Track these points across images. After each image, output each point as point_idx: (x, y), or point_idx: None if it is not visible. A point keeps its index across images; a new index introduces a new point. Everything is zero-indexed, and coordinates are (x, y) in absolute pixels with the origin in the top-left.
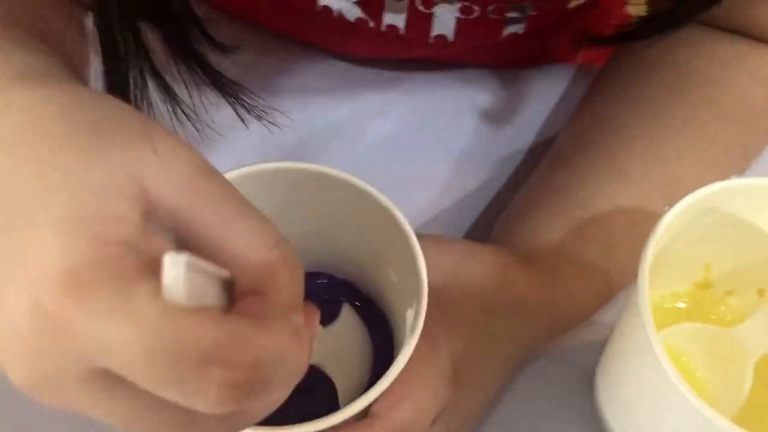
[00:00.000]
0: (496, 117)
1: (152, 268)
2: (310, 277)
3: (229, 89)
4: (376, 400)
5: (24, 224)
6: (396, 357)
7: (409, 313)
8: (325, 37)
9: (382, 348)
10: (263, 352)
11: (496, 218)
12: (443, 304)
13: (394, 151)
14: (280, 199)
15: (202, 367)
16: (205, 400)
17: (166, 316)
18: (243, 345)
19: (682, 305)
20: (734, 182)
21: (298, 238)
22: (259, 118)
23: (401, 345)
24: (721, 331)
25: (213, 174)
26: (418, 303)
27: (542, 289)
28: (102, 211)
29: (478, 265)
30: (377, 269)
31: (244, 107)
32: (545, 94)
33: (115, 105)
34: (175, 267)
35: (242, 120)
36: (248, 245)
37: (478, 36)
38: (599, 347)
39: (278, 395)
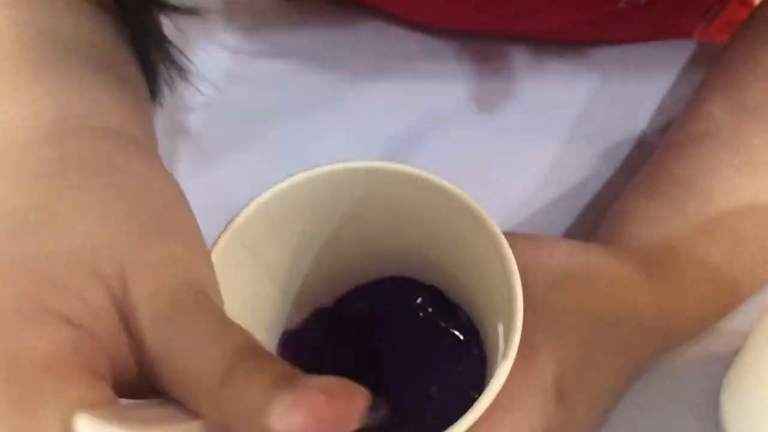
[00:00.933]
0: (602, 100)
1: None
2: (394, 281)
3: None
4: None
5: None
6: (489, 377)
7: (500, 327)
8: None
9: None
10: None
11: (600, 215)
12: (546, 312)
13: (485, 139)
14: (355, 200)
15: None
16: None
17: None
18: None
19: None
20: None
21: (374, 241)
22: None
23: (494, 355)
24: None
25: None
26: (513, 317)
27: (658, 295)
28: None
29: (585, 269)
30: (463, 274)
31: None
32: (660, 74)
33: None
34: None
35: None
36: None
37: None
38: (724, 360)
39: None
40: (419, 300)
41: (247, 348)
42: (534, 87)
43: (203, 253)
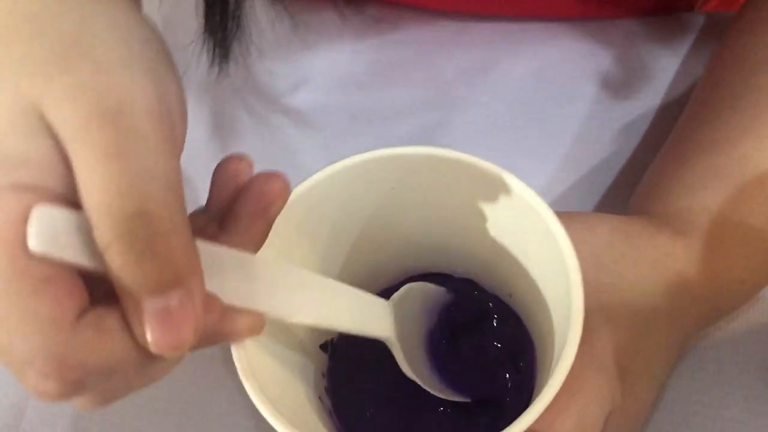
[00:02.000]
0: (617, 80)
1: None
2: (423, 279)
3: None
4: None
5: None
6: (554, 363)
7: (554, 311)
8: None
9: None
10: (89, 366)
11: (627, 189)
12: (596, 291)
13: (507, 123)
14: (387, 190)
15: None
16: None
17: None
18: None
19: None
20: None
21: (406, 233)
22: None
23: (540, 343)
24: None
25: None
26: (571, 297)
27: (704, 265)
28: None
29: (627, 242)
30: (505, 262)
31: None
32: (671, 48)
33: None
34: (39, 219)
35: None
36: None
37: None
38: None
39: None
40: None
41: (138, 215)
42: (549, 65)
43: (122, 73)
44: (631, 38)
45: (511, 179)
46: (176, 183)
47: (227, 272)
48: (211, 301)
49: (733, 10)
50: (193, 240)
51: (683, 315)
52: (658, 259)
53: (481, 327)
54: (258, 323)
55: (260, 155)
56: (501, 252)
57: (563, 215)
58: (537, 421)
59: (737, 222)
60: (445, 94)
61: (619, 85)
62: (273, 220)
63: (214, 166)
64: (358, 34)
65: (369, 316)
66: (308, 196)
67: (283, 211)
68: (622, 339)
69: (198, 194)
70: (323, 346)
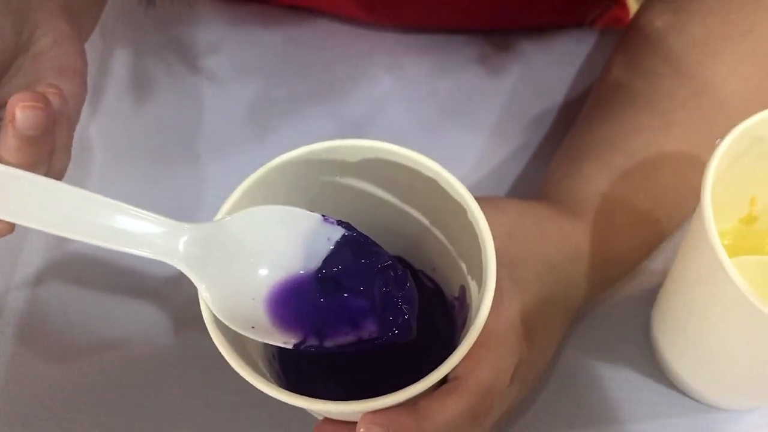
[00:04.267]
0: (526, 80)
1: None
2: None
3: None
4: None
5: None
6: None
7: (471, 281)
8: None
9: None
10: None
11: (534, 176)
12: (507, 262)
13: (422, 126)
14: (328, 180)
15: None
16: None
17: None
18: None
19: (728, 242)
20: None
21: (346, 214)
22: None
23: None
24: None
25: None
26: (486, 266)
27: (596, 240)
28: None
29: (535, 222)
30: (429, 242)
31: None
32: (568, 58)
33: None
34: None
35: None
36: None
37: None
38: (650, 294)
39: None
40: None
41: None
42: (468, 69)
43: None
44: (535, 50)
45: (437, 167)
46: None
47: None
48: None
49: (620, 27)
50: None
51: (579, 283)
52: (560, 237)
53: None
54: None
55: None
56: (427, 231)
57: (480, 199)
58: (458, 369)
59: (624, 206)
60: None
61: (526, 86)
62: (23, 132)
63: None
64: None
65: (136, 234)
66: (262, 182)
67: (240, 194)
68: (528, 303)
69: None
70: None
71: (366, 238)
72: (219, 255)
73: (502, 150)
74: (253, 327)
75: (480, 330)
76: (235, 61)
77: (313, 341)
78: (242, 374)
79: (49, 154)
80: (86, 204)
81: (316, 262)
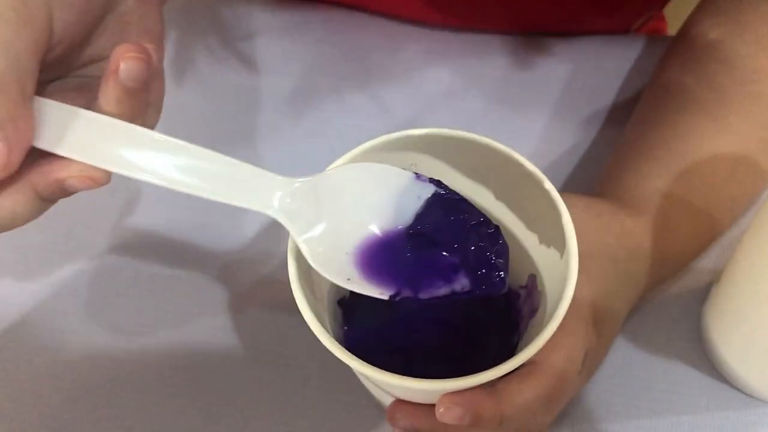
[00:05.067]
0: (578, 81)
1: None
2: None
3: None
4: None
5: None
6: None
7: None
8: None
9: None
10: None
11: (588, 172)
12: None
13: (470, 124)
14: (408, 165)
15: None
16: None
17: None
18: None
19: None
20: None
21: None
22: None
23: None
24: None
25: None
26: (569, 257)
27: (655, 237)
28: None
29: (599, 217)
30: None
31: None
32: (617, 61)
33: None
34: None
35: None
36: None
37: None
38: (699, 291)
39: None
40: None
41: None
42: (515, 71)
43: None
44: (587, 52)
45: (518, 156)
46: (13, 52)
47: (69, 127)
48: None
49: (662, 35)
50: (23, 98)
51: (639, 278)
52: (622, 232)
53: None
54: (91, 173)
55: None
56: (498, 222)
57: None
58: (535, 355)
59: (681, 205)
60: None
61: (579, 86)
62: (125, 82)
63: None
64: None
65: (235, 186)
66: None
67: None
68: (596, 295)
69: None
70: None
71: (458, 195)
72: (314, 209)
73: (552, 150)
74: (348, 279)
75: (563, 316)
76: (277, 49)
77: (407, 293)
78: (322, 340)
79: (145, 107)
80: (183, 153)
81: (408, 218)
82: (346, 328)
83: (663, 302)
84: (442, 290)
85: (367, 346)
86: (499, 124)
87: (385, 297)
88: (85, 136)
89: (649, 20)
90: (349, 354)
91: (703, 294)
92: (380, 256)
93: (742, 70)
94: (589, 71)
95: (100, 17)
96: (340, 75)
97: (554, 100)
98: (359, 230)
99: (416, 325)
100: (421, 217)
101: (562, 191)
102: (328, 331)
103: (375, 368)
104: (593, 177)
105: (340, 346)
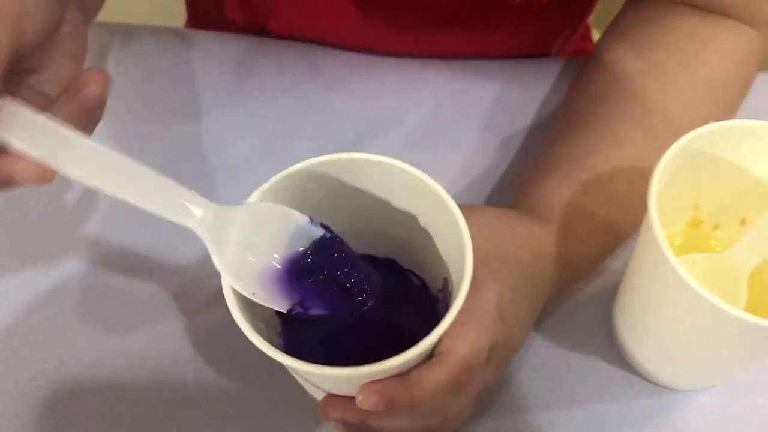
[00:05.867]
0: (500, 103)
1: None
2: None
3: None
4: (437, 343)
5: None
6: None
7: (452, 272)
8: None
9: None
10: None
11: (507, 188)
12: (484, 258)
13: (408, 145)
14: (330, 189)
15: None
16: None
17: None
18: None
19: (677, 243)
20: (715, 125)
21: (347, 224)
22: None
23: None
24: (714, 256)
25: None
26: (464, 259)
27: (559, 243)
28: None
29: (508, 225)
30: (417, 243)
31: None
32: (535, 83)
33: None
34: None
35: None
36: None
37: None
38: (610, 291)
39: None
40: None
41: None
42: (446, 94)
43: None
44: (506, 75)
45: (425, 178)
46: None
47: (28, 130)
48: None
49: (584, 56)
50: None
51: (545, 278)
52: (529, 238)
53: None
54: (40, 172)
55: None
56: (414, 234)
57: (462, 206)
58: (441, 346)
59: (584, 213)
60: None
61: (501, 108)
62: (87, 103)
63: None
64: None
65: (163, 199)
66: (272, 191)
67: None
68: (501, 292)
69: None
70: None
71: (339, 239)
72: (227, 232)
73: (479, 165)
74: (253, 293)
75: (459, 308)
76: (236, 88)
77: (299, 309)
78: (252, 339)
79: (95, 122)
80: (119, 164)
81: (300, 252)
82: (285, 335)
83: (577, 301)
84: (325, 310)
85: (303, 351)
86: (432, 142)
87: (283, 310)
88: (37, 135)
89: (567, 41)
90: (274, 349)
91: (613, 293)
92: (278, 279)
93: (639, 91)
94: (513, 93)
95: (48, 37)
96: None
97: (481, 119)
98: (259, 259)
99: (349, 332)
100: (310, 252)
101: (478, 204)
102: (259, 335)
103: (299, 360)
104: (514, 188)
105: (266, 342)
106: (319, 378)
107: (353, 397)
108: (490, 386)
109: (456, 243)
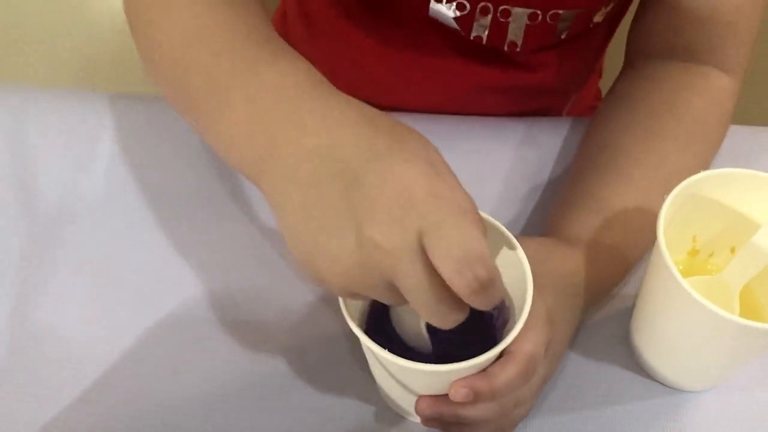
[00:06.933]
0: (520, 158)
1: None
2: None
3: None
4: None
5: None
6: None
7: (515, 294)
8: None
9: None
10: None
11: (537, 223)
12: (534, 276)
13: None
14: None
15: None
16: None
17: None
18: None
19: (680, 268)
20: (708, 173)
21: None
22: None
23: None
24: (711, 278)
25: None
26: (526, 279)
27: (586, 267)
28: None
29: (546, 248)
30: None
31: None
32: (550, 141)
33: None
34: None
35: None
36: None
37: (538, 38)
38: (626, 310)
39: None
40: None
41: None
42: (472, 149)
43: None
44: (524, 133)
45: (487, 217)
46: None
47: None
48: None
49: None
50: None
51: (580, 289)
52: (564, 258)
53: None
54: None
55: None
56: None
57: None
58: (510, 346)
59: (599, 242)
60: None
61: (514, 162)
62: None
63: None
64: None
65: None
66: None
67: None
68: (549, 301)
69: None
70: None
71: None
72: None
73: (506, 214)
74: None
75: (526, 316)
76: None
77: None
78: (379, 353)
79: None
80: None
81: None
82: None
83: (598, 320)
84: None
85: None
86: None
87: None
88: None
89: (566, 102)
90: (403, 359)
91: (628, 312)
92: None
93: (639, 133)
94: (530, 150)
95: None
96: None
97: (503, 173)
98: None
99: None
100: None
101: (522, 236)
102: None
103: (418, 363)
104: (540, 226)
105: (399, 358)
106: (420, 374)
107: (441, 396)
108: (547, 377)
109: (515, 266)
